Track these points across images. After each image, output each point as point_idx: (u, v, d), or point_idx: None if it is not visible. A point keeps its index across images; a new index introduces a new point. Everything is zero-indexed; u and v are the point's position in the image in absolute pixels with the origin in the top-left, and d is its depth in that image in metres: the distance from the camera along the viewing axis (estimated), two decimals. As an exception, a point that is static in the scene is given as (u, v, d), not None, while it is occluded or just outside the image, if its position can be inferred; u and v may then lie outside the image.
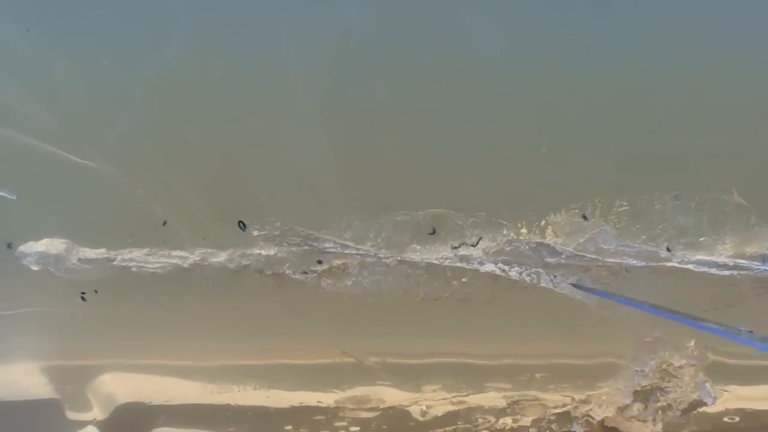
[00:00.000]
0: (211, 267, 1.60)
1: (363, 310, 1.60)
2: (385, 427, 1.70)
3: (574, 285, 1.52)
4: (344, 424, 1.71)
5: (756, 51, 1.46)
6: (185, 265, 1.61)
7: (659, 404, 1.63)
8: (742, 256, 1.50)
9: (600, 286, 1.55)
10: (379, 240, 1.56)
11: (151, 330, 1.68)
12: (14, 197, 1.60)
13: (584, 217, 1.50)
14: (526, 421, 1.68)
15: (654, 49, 1.47)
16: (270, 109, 1.54)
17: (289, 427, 1.72)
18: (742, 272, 1.50)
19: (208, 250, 1.60)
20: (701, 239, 1.50)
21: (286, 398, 1.72)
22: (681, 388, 1.62)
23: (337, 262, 1.58)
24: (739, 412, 1.66)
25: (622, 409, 1.65)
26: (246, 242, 1.59)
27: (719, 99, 1.49)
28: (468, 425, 1.69)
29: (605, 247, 1.51)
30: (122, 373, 1.74)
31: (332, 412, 1.71)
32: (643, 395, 1.64)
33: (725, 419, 1.66)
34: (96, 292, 1.64)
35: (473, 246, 1.55)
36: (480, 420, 1.69)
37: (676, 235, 1.50)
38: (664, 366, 1.61)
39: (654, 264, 1.52)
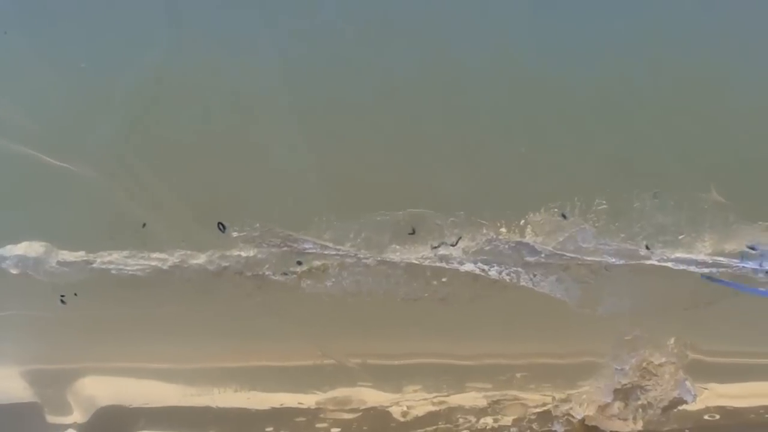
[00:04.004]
0: (191, 269, 1.60)
1: (343, 311, 1.60)
2: (366, 427, 1.70)
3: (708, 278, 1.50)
4: (325, 425, 1.70)
5: (734, 50, 1.47)
6: (165, 267, 1.60)
7: (639, 402, 1.64)
8: (721, 254, 1.50)
9: (580, 284, 1.55)
10: (358, 240, 1.56)
11: (131, 332, 1.67)
12: (-8, 200, 1.60)
13: (563, 216, 1.51)
14: (506, 420, 1.68)
15: (632, 49, 1.48)
16: (249, 111, 1.54)
17: (269, 429, 1.71)
18: (721, 269, 1.51)
19: (188, 252, 1.60)
20: (680, 237, 1.50)
21: (267, 400, 1.72)
22: (661, 386, 1.62)
23: (317, 262, 1.58)
24: (720, 410, 1.67)
25: (602, 408, 1.65)
26: (225, 244, 1.59)
27: (697, 97, 1.49)
28: (449, 425, 1.69)
29: (584, 246, 1.52)
30: (102, 376, 1.74)
31: (313, 414, 1.71)
32: (624, 394, 1.64)
33: (705, 417, 1.66)
34: (75, 294, 1.63)
35: (453, 246, 1.55)
36: (461, 420, 1.69)
37: (655, 233, 1.50)
38: (644, 364, 1.62)
39: (633, 262, 1.52)
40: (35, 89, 1.55)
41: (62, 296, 1.64)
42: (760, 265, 1.49)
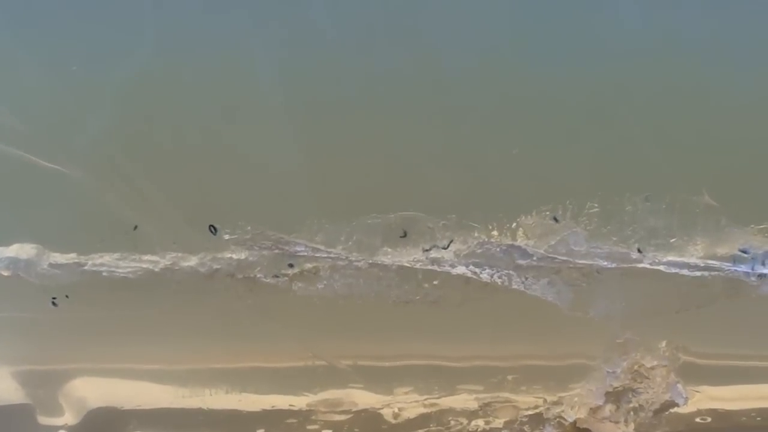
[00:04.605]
0: (183, 271, 1.60)
1: (334, 314, 1.60)
2: (357, 429, 1.70)
3: None
4: (316, 427, 1.71)
5: (724, 53, 1.46)
6: (156, 270, 1.60)
7: (631, 405, 1.64)
8: (713, 257, 1.50)
9: (572, 287, 1.55)
10: (350, 243, 1.55)
11: (123, 334, 1.68)
12: (-17, 203, 1.60)
13: (555, 219, 1.50)
14: (498, 423, 1.68)
15: (624, 52, 1.47)
16: (240, 113, 1.53)
17: (261, 431, 1.72)
18: (713, 273, 1.50)
19: (179, 255, 1.60)
20: (672, 240, 1.50)
21: (258, 402, 1.72)
22: (653, 389, 1.62)
23: (309, 265, 1.58)
24: (711, 412, 1.67)
25: (594, 411, 1.65)
26: (217, 246, 1.58)
27: (690, 100, 1.49)
28: (440, 427, 1.69)
29: (576, 249, 1.51)
30: (94, 378, 1.74)
31: (304, 415, 1.71)
32: (615, 396, 1.64)
33: (697, 420, 1.66)
34: (67, 297, 1.63)
35: (444, 249, 1.54)
36: (452, 422, 1.69)
37: (646, 236, 1.50)
38: (635, 367, 1.62)
39: (625, 265, 1.52)
40: (26, 90, 1.55)
41: (54, 298, 1.64)
42: (752, 269, 1.49)
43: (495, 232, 1.52)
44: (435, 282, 1.57)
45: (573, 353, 1.65)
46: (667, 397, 1.63)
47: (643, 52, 1.47)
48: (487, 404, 1.69)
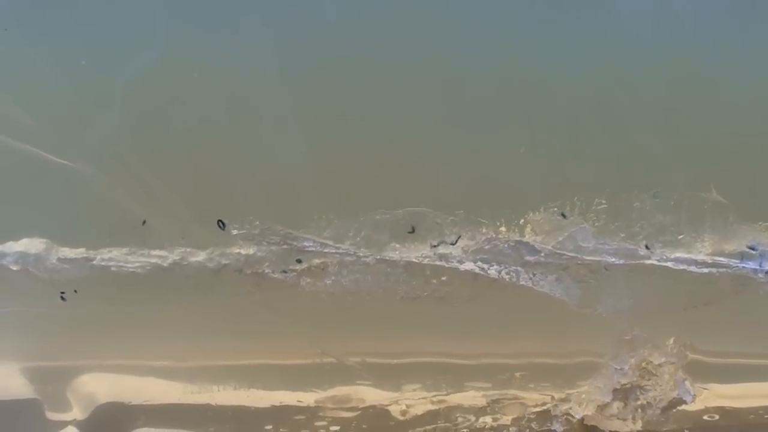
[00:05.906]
0: (191, 266, 1.60)
1: (342, 310, 1.60)
2: (365, 426, 1.70)
3: None
4: (324, 423, 1.70)
5: (731, 51, 1.47)
6: (165, 265, 1.60)
7: (639, 402, 1.63)
8: (721, 254, 1.50)
9: (579, 284, 1.55)
10: (358, 239, 1.55)
11: (131, 330, 1.68)
12: (-7, 197, 1.61)
13: (563, 216, 1.51)
14: (506, 420, 1.68)
15: (631, 49, 1.48)
16: (249, 109, 1.54)
17: (269, 427, 1.71)
18: (721, 270, 1.50)
19: (188, 250, 1.60)
20: (680, 237, 1.50)
21: (266, 398, 1.72)
22: (660, 386, 1.62)
23: (317, 261, 1.58)
24: (719, 410, 1.67)
25: (601, 408, 1.65)
26: (225, 241, 1.59)
27: (698, 97, 1.49)
28: (448, 424, 1.69)
29: (584, 245, 1.51)
30: (102, 373, 1.74)
31: (312, 412, 1.71)
32: (623, 393, 1.64)
33: (705, 417, 1.66)
34: (76, 291, 1.63)
35: (452, 244, 1.54)
36: (460, 419, 1.69)
37: (654, 233, 1.50)
38: (643, 364, 1.61)
39: (633, 262, 1.52)
40: (36, 86, 1.56)
41: (62, 293, 1.64)
42: (760, 266, 1.49)
43: (503, 228, 1.53)
44: (443, 278, 1.57)
45: (580, 350, 1.65)
46: (674, 394, 1.62)
47: (651, 48, 1.48)
48: (495, 401, 1.69)
